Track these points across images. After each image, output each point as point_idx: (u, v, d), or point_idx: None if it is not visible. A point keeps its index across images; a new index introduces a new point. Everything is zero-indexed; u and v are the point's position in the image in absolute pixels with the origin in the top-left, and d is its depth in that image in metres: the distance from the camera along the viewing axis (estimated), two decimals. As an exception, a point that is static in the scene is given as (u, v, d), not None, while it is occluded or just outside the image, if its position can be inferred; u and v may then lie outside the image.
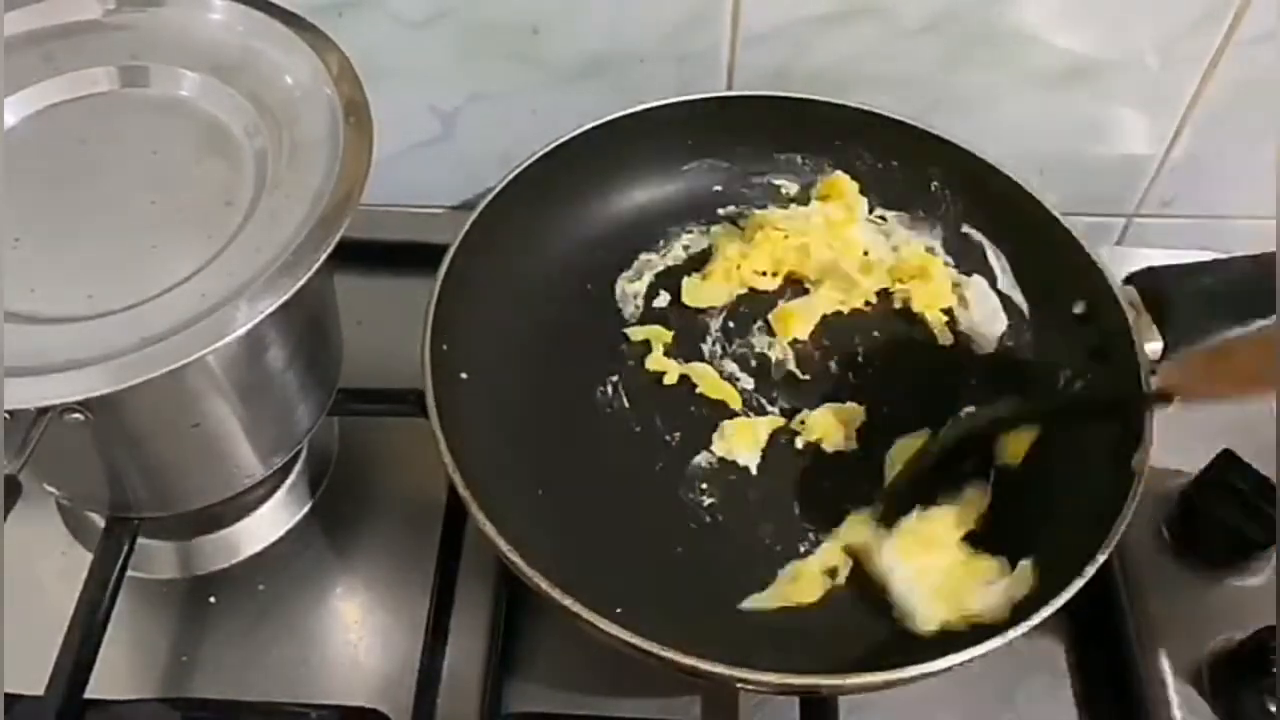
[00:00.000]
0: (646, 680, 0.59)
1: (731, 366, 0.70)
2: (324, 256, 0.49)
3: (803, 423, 0.67)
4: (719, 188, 0.77)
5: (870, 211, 0.75)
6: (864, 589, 0.60)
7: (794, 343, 0.71)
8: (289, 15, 0.58)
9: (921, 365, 0.70)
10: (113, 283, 0.48)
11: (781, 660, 0.52)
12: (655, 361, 0.69)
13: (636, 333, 0.70)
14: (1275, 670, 0.57)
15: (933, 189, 0.74)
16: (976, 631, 0.52)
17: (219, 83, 0.56)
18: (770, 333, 0.71)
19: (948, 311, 0.72)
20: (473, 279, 0.66)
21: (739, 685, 0.52)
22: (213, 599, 0.64)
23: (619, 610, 0.53)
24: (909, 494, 0.62)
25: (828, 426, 0.66)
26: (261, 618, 0.64)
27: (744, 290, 0.73)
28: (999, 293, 0.71)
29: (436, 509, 0.66)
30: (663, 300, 0.73)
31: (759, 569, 0.61)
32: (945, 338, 0.71)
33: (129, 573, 0.61)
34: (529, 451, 0.65)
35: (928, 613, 0.57)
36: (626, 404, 0.68)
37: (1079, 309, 0.67)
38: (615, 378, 0.69)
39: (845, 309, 0.72)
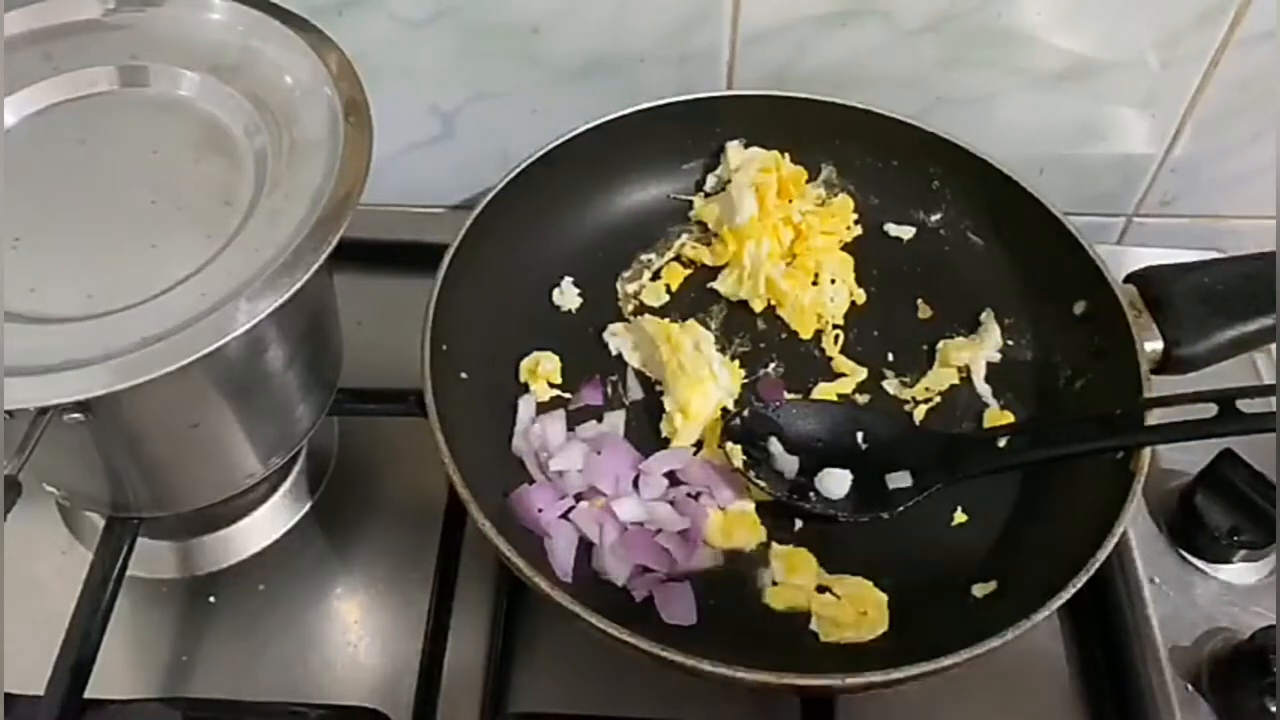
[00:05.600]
0: (646, 680, 0.59)
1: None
2: (324, 256, 0.49)
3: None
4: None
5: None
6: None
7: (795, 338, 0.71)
8: (289, 15, 0.58)
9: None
10: (113, 283, 0.48)
11: (782, 660, 0.52)
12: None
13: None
14: (1275, 670, 0.56)
15: (933, 188, 0.74)
16: (975, 632, 0.52)
17: (219, 83, 0.56)
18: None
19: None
20: (472, 279, 0.66)
21: (739, 685, 0.52)
22: (213, 599, 0.64)
23: (618, 610, 0.53)
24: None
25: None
26: (261, 618, 0.64)
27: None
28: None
29: (436, 509, 0.66)
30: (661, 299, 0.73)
31: (759, 567, 0.62)
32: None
33: (129, 573, 0.61)
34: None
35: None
36: (626, 403, 0.68)
37: (1079, 309, 0.67)
38: (615, 377, 0.69)
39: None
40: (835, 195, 0.76)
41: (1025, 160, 0.72)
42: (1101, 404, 0.63)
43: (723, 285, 0.73)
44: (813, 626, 0.59)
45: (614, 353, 0.70)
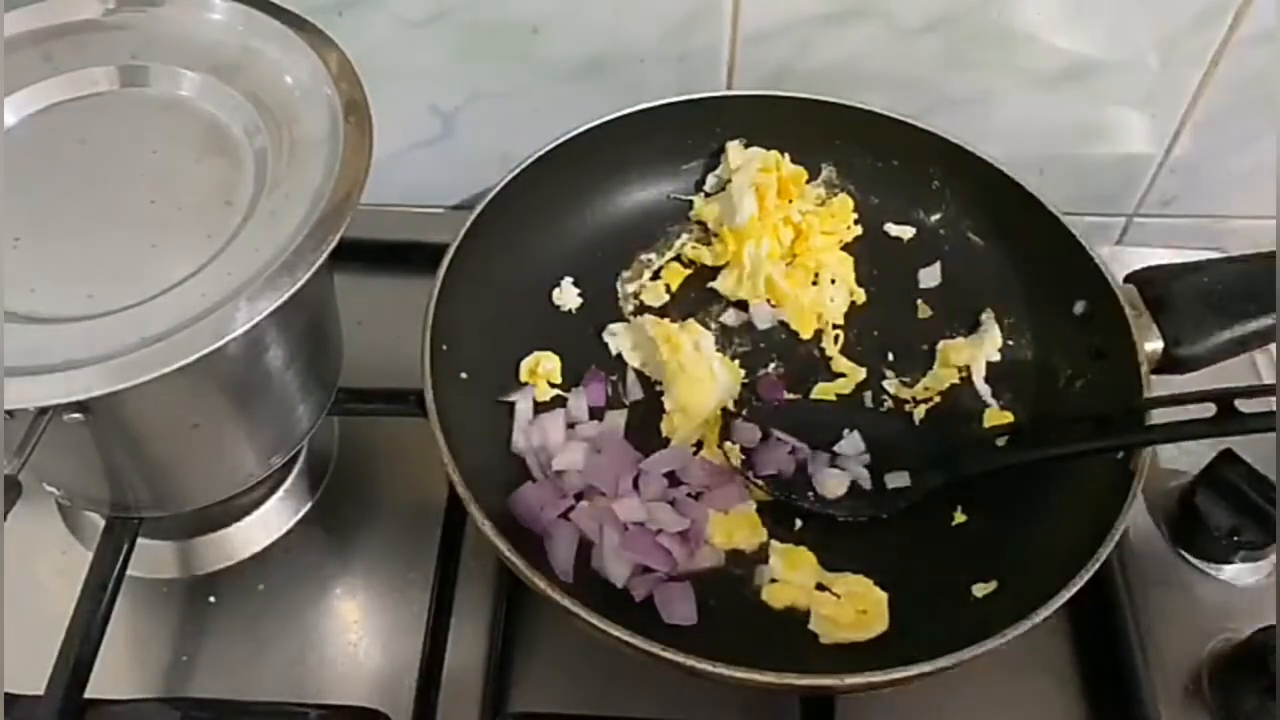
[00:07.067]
0: (646, 680, 0.59)
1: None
2: (324, 256, 0.49)
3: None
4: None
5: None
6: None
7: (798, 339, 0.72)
8: (289, 15, 0.58)
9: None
10: (113, 283, 0.48)
11: (782, 660, 0.52)
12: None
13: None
14: (1275, 670, 0.57)
15: (933, 188, 0.74)
16: (975, 632, 0.52)
17: (219, 83, 0.56)
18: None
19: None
20: (472, 279, 0.66)
21: (739, 685, 0.52)
22: (213, 599, 0.64)
23: (618, 610, 0.53)
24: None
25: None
26: (261, 618, 0.64)
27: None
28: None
29: (436, 509, 0.66)
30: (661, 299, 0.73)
31: (758, 566, 0.62)
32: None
33: (129, 573, 0.61)
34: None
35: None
36: (626, 403, 0.68)
37: (1079, 309, 0.67)
38: (615, 377, 0.69)
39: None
40: (835, 195, 0.76)
41: (1025, 160, 0.72)
42: (1101, 404, 0.63)
43: (723, 285, 0.73)
44: (812, 627, 0.59)
45: (614, 353, 0.70)
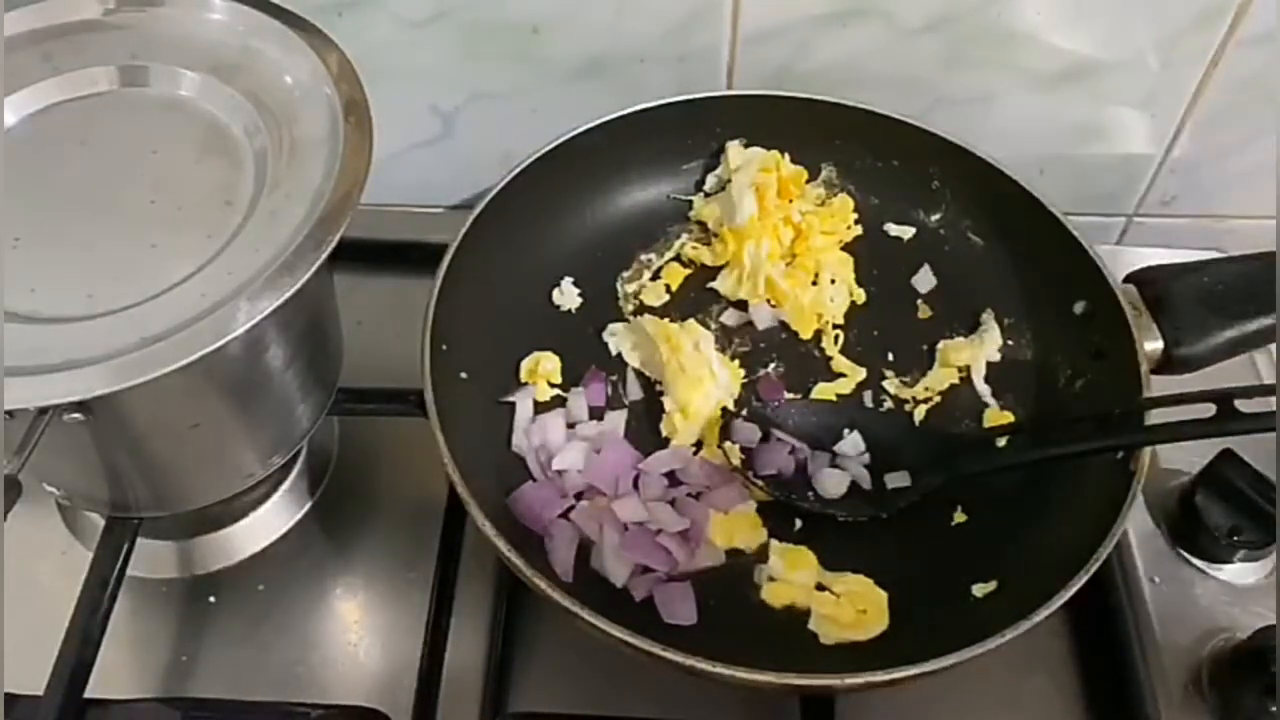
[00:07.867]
0: (646, 680, 0.59)
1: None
2: (324, 256, 0.49)
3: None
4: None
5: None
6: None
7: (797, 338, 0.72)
8: (289, 15, 0.58)
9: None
10: (113, 283, 0.48)
11: (782, 660, 0.52)
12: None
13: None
14: (1275, 670, 0.57)
15: (933, 188, 0.74)
16: (975, 632, 0.52)
17: (219, 83, 0.56)
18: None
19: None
20: (472, 279, 0.66)
21: (739, 685, 0.52)
22: (213, 599, 0.64)
23: (618, 610, 0.53)
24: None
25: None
26: (261, 618, 0.64)
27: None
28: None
29: (436, 509, 0.66)
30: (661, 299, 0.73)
31: (758, 566, 0.62)
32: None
33: (129, 573, 0.61)
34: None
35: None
36: (626, 403, 0.68)
37: (1079, 309, 0.67)
38: (615, 377, 0.69)
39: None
40: (835, 195, 0.76)
41: (1025, 160, 0.72)
42: (1101, 404, 0.63)
43: (723, 285, 0.73)
44: (812, 626, 0.59)
45: (614, 353, 0.70)
